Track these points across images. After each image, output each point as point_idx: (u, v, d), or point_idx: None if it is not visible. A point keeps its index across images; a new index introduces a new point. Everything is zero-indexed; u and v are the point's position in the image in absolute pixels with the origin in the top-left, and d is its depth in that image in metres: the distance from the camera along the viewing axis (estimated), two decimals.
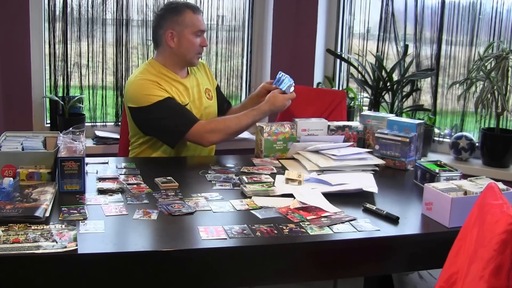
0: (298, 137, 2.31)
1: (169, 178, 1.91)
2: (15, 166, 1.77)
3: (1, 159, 1.77)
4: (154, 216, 1.60)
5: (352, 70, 3.35)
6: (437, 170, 1.94)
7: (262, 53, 3.45)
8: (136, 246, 1.43)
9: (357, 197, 1.81)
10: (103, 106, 3.19)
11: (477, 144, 2.89)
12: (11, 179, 1.68)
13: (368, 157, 2.19)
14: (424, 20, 3.11)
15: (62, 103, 2.97)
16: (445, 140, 3.10)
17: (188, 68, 2.46)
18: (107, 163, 2.12)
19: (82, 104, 3.07)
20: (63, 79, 3.05)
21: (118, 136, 2.81)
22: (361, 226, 1.59)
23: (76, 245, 1.37)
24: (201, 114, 2.40)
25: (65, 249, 1.34)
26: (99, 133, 3.08)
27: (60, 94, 3.05)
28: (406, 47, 3.12)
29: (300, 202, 1.72)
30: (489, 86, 2.63)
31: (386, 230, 1.59)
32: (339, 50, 3.43)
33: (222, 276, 1.47)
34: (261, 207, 1.70)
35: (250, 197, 1.78)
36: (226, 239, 1.47)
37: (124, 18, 3.10)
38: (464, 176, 1.88)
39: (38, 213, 1.50)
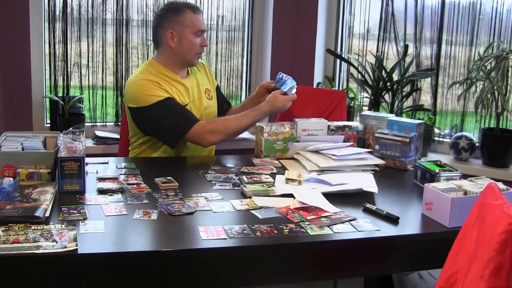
0: (298, 137, 2.31)
1: (169, 178, 1.91)
2: (15, 166, 1.77)
3: (1, 159, 1.77)
4: (154, 216, 1.60)
5: (352, 70, 3.35)
6: (437, 170, 1.94)
7: (262, 53, 3.45)
8: (136, 246, 1.43)
9: (357, 197, 1.81)
10: (103, 106, 3.19)
11: (477, 144, 2.89)
12: (11, 179, 1.68)
13: (368, 157, 2.19)
14: (424, 20, 3.11)
15: (62, 103, 2.97)
16: (445, 140, 3.10)
17: (188, 68, 2.46)
18: (107, 163, 2.12)
19: (82, 104, 3.07)
20: (63, 79, 3.05)
21: (118, 136, 2.81)
22: (361, 226, 1.59)
23: (76, 245, 1.37)
24: (201, 114, 2.40)
25: (65, 249, 1.34)
26: (99, 133, 3.08)
27: (60, 94, 3.05)
28: (406, 47, 3.12)
29: (300, 202, 1.72)
30: (489, 86, 2.63)
31: (386, 230, 1.59)
32: (339, 50, 3.43)
33: (222, 276, 1.47)
34: (261, 207, 1.70)
35: (250, 197, 1.78)
36: (226, 239, 1.47)
37: (124, 18, 3.10)
38: (464, 176, 1.88)
39: (38, 213, 1.50)
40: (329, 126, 2.37)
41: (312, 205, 1.70)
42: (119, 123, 2.99)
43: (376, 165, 2.18)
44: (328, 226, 1.57)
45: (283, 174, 2.01)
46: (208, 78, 2.56)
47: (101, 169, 2.02)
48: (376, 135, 2.27)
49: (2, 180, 1.68)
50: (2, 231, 1.42)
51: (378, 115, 2.46)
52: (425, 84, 3.15)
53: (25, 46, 2.86)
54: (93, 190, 1.78)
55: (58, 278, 1.36)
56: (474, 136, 2.97)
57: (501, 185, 1.60)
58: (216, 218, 1.61)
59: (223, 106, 2.63)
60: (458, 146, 2.90)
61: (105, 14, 3.08)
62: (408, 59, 3.12)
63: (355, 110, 3.26)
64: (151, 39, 2.49)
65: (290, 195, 1.79)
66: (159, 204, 1.69)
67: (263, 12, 3.40)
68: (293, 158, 2.26)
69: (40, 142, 1.96)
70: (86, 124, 3.07)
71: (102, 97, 3.18)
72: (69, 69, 3.06)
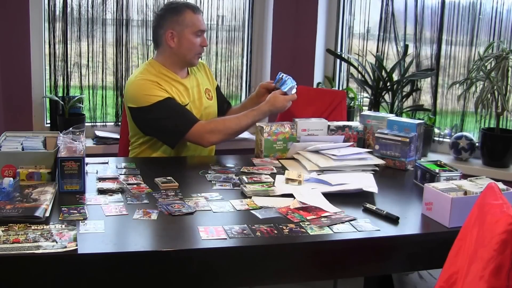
0: (298, 137, 2.31)
1: (169, 178, 1.91)
2: (15, 166, 1.77)
3: (1, 159, 1.77)
4: (154, 216, 1.60)
5: (352, 70, 3.35)
6: (437, 170, 1.94)
7: (262, 53, 3.45)
8: (136, 246, 1.43)
9: (357, 197, 1.81)
10: (103, 106, 3.19)
11: (477, 144, 2.89)
12: (11, 179, 1.68)
13: (368, 157, 2.19)
14: (424, 20, 3.11)
15: (62, 103, 2.97)
16: (445, 140, 3.10)
17: (188, 68, 2.46)
18: (107, 163, 2.12)
19: (82, 104, 3.07)
20: (63, 79, 3.05)
21: (118, 136, 2.81)
22: (361, 226, 1.59)
23: (76, 245, 1.37)
24: (201, 114, 2.40)
25: (65, 249, 1.34)
26: (99, 133, 3.08)
27: (60, 94, 3.05)
28: (406, 47, 3.12)
29: (300, 202, 1.72)
30: (489, 86, 2.63)
31: (386, 230, 1.58)
32: (339, 50, 3.43)
33: (222, 276, 1.47)
34: (261, 207, 1.70)
35: (250, 197, 1.78)
36: (226, 239, 1.47)
37: (124, 18, 3.10)
38: (464, 176, 1.88)
39: (38, 213, 1.50)
40: (329, 126, 2.37)
41: (312, 205, 1.70)
42: (119, 123, 2.99)
43: (376, 165, 2.18)
44: (328, 226, 1.57)
45: (283, 174, 2.00)
46: (208, 78, 2.56)
47: (101, 169, 2.02)
48: (376, 135, 2.27)
49: (2, 180, 1.68)
50: (2, 231, 1.42)
51: (378, 115, 2.46)
52: (425, 84, 3.15)
53: (25, 46, 2.86)
54: (93, 190, 1.78)
55: (58, 278, 1.36)
56: (474, 136, 2.97)
57: (501, 185, 1.60)
58: (216, 218, 1.61)
59: (223, 106, 2.63)
60: (458, 146, 2.90)
61: (105, 14, 3.08)
62: (408, 59, 3.12)
63: (355, 110, 3.26)
64: (151, 39, 2.49)
65: (290, 195, 1.79)
66: (159, 204, 1.69)
67: (263, 12, 3.40)
68: (293, 158, 2.26)
69: (40, 142, 1.96)
70: (86, 124, 3.07)
71: (102, 97, 3.18)
72: (69, 69, 3.06)
